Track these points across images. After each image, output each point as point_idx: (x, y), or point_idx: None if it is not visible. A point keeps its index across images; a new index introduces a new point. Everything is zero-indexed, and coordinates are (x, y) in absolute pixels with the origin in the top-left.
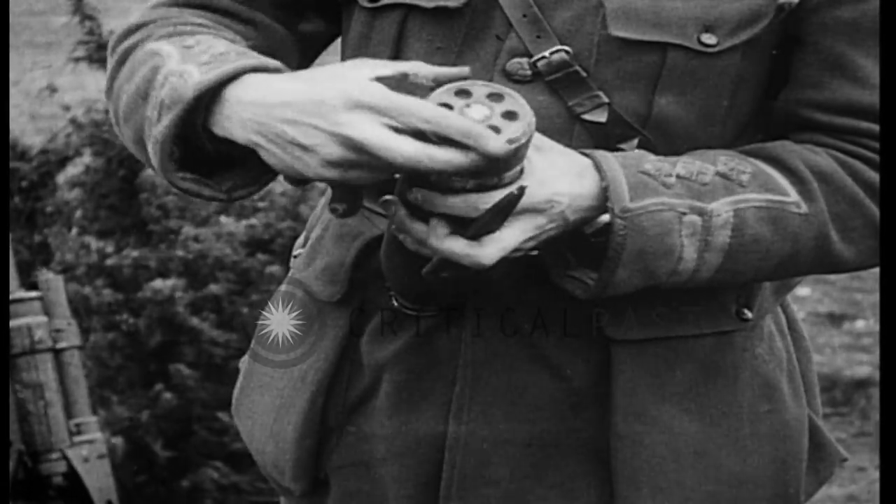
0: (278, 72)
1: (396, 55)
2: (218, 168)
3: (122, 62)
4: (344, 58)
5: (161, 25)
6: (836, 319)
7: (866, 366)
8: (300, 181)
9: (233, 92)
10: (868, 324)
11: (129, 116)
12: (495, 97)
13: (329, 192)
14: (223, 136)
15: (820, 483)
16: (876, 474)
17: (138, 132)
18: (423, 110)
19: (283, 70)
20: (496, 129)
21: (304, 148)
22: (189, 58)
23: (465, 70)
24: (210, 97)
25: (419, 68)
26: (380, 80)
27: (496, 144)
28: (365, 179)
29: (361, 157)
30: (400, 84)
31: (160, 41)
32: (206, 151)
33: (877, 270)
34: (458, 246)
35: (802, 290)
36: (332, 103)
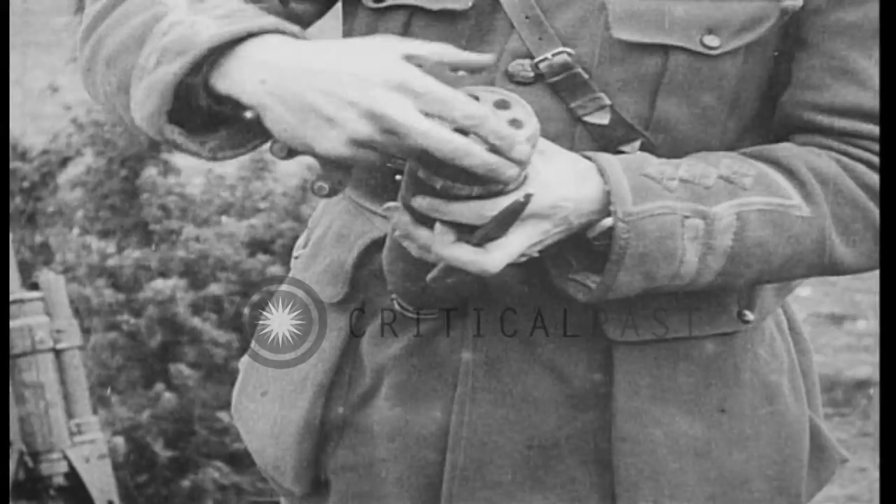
0: (295, 38)
1: None
2: (202, 127)
3: (111, 7)
4: None
5: None
6: (836, 320)
7: (867, 366)
8: (289, 154)
9: (249, 50)
10: (869, 324)
11: (114, 62)
12: (502, 104)
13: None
14: (225, 93)
15: (821, 484)
16: (876, 474)
17: (123, 79)
18: (467, 106)
19: (300, 37)
20: None
21: (329, 120)
22: (200, 9)
23: (488, 57)
24: (221, 52)
25: (445, 50)
26: (409, 59)
27: (522, 150)
28: (372, 162)
29: (388, 140)
30: (431, 69)
31: None
32: (194, 108)
33: (877, 271)
34: (463, 253)
35: (803, 291)
36: (373, 79)
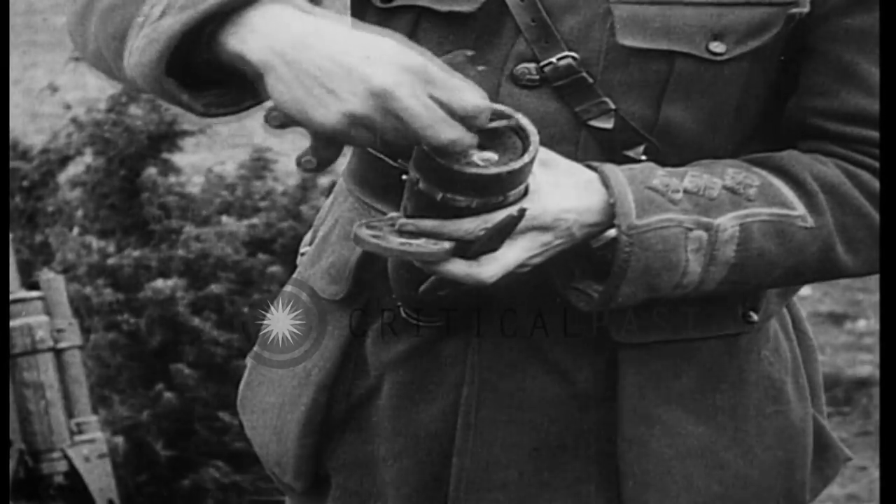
0: (310, 11)
1: None
2: (196, 82)
3: None
4: None
5: None
6: (837, 319)
7: (868, 365)
8: (281, 125)
9: (262, 11)
10: (869, 323)
11: (115, 9)
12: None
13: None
14: (231, 50)
15: (825, 483)
16: (877, 473)
17: (122, 27)
18: (473, 100)
19: (309, 9)
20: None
21: (332, 91)
22: None
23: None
24: (232, 9)
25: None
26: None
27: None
28: (366, 143)
29: (386, 121)
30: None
31: None
32: (190, 63)
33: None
34: (457, 268)
35: (803, 290)
36: (388, 59)
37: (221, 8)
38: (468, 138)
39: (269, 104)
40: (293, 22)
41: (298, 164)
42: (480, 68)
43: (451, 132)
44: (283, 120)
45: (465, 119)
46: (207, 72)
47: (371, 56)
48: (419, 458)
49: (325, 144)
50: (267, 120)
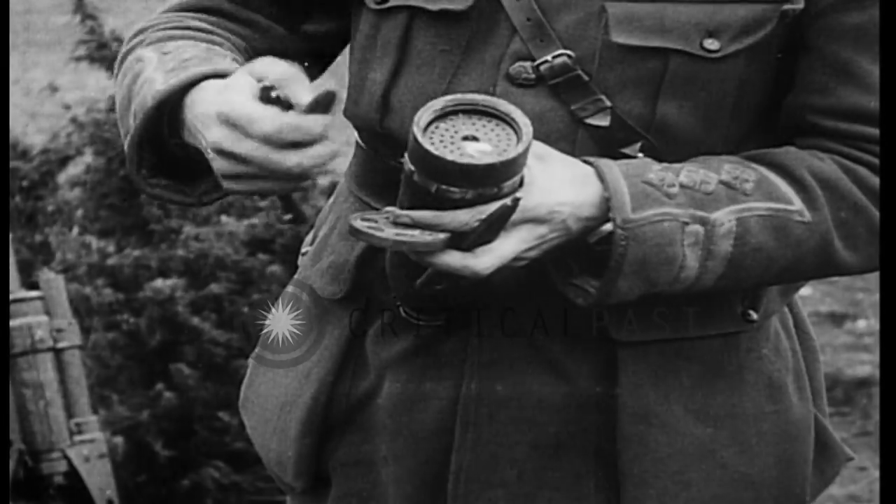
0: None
1: (401, 57)
2: (190, 173)
3: (119, 67)
4: (352, 59)
5: (156, 30)
6: (837, 319)
7: (868, 365)
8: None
9: (190, 98)
10: (869, 323)
11: (121, 122)
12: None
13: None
14: (188, 141)
15: (826, 483)
16: (877, 474)
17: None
18: (265, 123)
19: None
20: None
21: (210, 158)
22: (161, 64)
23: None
24: (173, 105)
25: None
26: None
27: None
28: (265, 189)
29: (248, 168)
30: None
31: (148, 47)
32: (179, 158)
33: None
34: (453, 259)
35: (804, 290)
36: (209, 116)
37: (160, 110)
38: (307, 159)
39: None
40: (201, 101)
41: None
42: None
43: (290, 158)
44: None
45: (311, 110)
46: (196, 160)
47: (206, 117)
48: (419, 457)
49: (282, 201)
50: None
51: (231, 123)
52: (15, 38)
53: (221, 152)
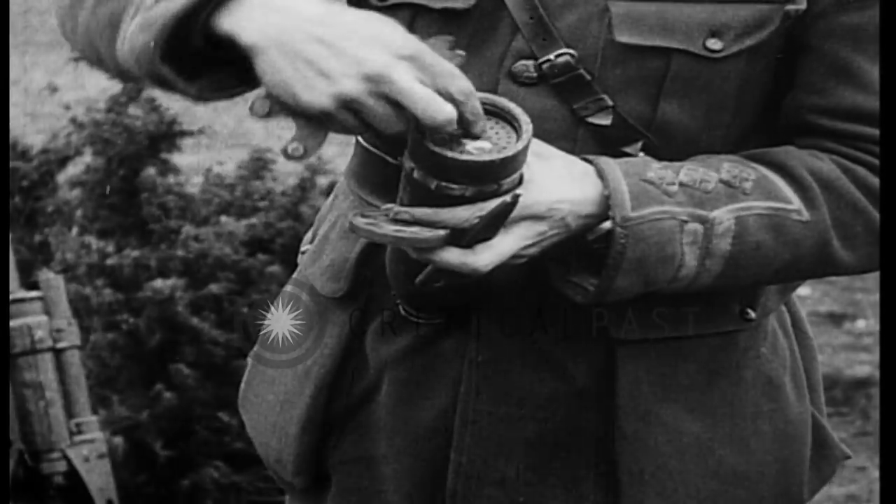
0: None
1: None
2: (190, 68)
3: None
4: None
5: None
6: (836, 319)
7: (867, 365)
8: (267, 114)
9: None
10: (868, 323)
11: None
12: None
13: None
14: (226, 31)
15: (823, 481)
16: (876, 474)
17: (114, 15)
18: (465, 83)
19: None
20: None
21: (323, 73)
22: None
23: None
24: None
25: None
26: None
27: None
28: (351, 128)
29: (376, 105)
30: (433, 46)
31: None
32: (184, 48)
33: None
34: (452, 256)
35: (803, 290)
36: (384, 44)
37: None
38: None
39: (254, 94)
40: (287, 4)
41: (285, 152)
42: (460, 53)
43: (447, 111)
44: (268, 108)
45: (456, 104)
46: (197, 58)
47: (365, 39)
48: (419, 455)
49: (311, 131)
50: (253, 109)
51: (420, 64)
52: (15, 38)
53: (377, 78)
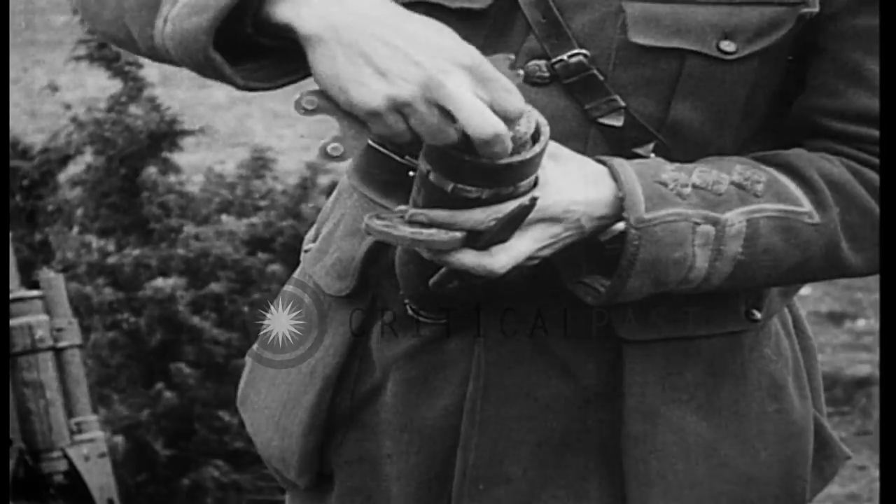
0: None
1: None
2: (236, 55)
3: None
4: None
5: None
6: (836, 318)
7: (867, 365)
8: (313, 111)
9: None
10: (869, 323)
11: None
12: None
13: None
14: (282, 19)
15: (825, 481)
16: (876, 473)
17: None
18: (520, 102)
19: None
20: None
21: (380, 71)
22: None
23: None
24: None
25: None
26: None
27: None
28: (395, 132)
29: (428, 111)
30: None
31: None
32: (232, 34)
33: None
34: (468, 258)
35: (803, 290)
36: (446, 51)
37: None
38: (507, 132)
39: (300, 88)
40: None
41: (324, 151)
42: (520, 72)
43: (496, 126)
44: (315, 105)
45: (509, 121)
46: (243, 46)
47: (427, 44)
48: (424, 454)
49: (354, 132)
50: (299, 103)
51: (479, 77)
52: (15, 38)
53: (434, 85)
